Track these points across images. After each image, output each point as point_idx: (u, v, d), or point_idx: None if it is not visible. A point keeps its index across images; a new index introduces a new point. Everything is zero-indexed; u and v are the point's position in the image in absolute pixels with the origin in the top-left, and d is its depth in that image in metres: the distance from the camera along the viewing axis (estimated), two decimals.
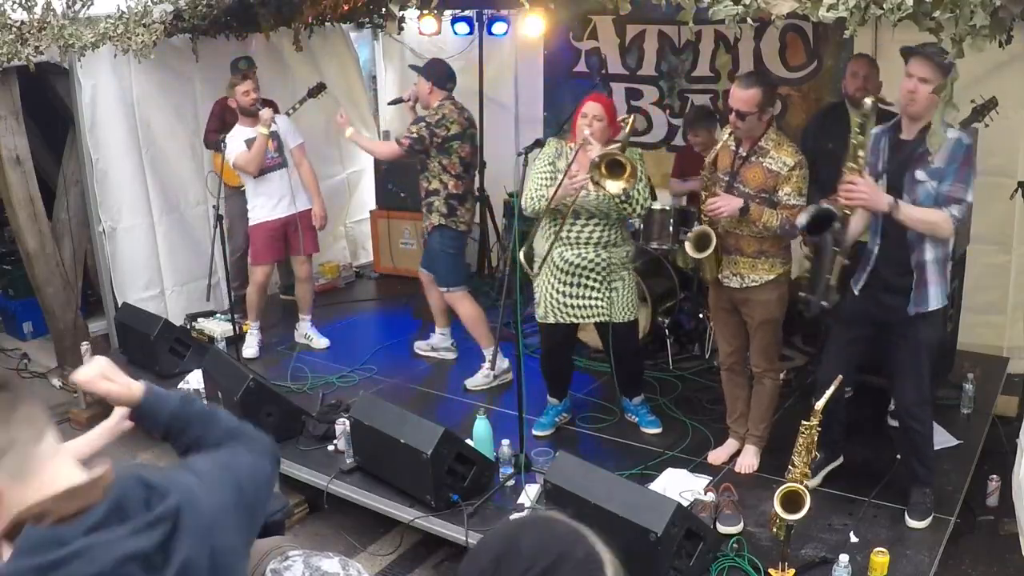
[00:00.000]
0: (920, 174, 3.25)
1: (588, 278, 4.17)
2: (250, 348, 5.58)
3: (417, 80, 5.07)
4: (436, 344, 5.52)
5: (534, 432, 4.41)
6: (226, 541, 1.42)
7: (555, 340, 4.42)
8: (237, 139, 5.28)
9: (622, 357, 4.39)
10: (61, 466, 1.35)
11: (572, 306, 4.21)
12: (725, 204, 3.69)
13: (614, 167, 3.82)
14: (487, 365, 4.89)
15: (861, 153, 3.24)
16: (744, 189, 3.76)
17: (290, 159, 5.44)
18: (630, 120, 4.14)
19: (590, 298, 4.19)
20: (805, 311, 3.54)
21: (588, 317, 4.24)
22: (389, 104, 5.65)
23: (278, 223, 5.42)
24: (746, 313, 3.94)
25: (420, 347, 5.60)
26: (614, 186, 3.83)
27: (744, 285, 3.85)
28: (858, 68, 4.59)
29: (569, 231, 4.12)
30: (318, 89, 5.87)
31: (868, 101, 3.24)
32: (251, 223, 5.46)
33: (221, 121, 5.80)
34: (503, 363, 4.96)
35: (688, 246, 3.84)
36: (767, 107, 3.70)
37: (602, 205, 4.04)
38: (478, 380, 5.04)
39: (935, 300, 3.38)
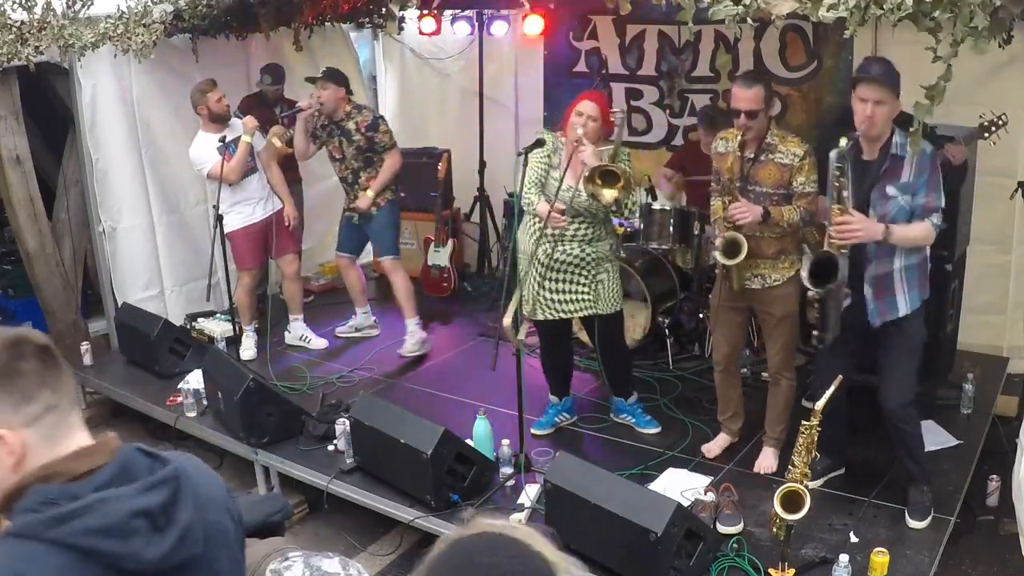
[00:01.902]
0: (891, 189, 3.31)
1: (575, 273, 4.19)
2: (247, 350, 5.57)
3: (324, 88, 5.28)
4: (359, 324, 5.86)
5: (533, 432, 4.41)
6: (218, 520, 1.48)
7: (549, 335, 4.44)
8: (207, 147, 5.21)
9: (609, 350, 4.39)
10: (83, 439, 1.43)
11: (559, 301, 4.23)
12: (748, 211, 3.69)
13: (607, 176, 3.85)
14: (412, 335, 5.54)
15: (845, 194, 3.26)
16: (760, 189, 3.76)
17: (259, 162, 5.45)
18: (619, 115, 4.16)
19: (576, 292, 4.21)
20: (821, 346, 3.55)
21: (575, 311, 4.25)
22: (283, 115, 5.74)
23: (259, 225, 5.42)
24: (766, 311, 3.94)
25: (342, 331, 5.91)
26: (609, 194, 3.86)
27: (766, 286, 3.86)
28: None
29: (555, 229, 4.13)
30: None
31: (843, 142, 3.25)
32: (229, 229, 5.37)
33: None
34: (421, 333, 5.58)
35: (718, 254, 3.81)
36: (770, 103, 3.74)
37: (592, 206, 4.06)
38: (411, 347, 5.53)
39: (904, 306, 3.43)
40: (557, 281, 4.21)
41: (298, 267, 5.78)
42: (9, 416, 1.36)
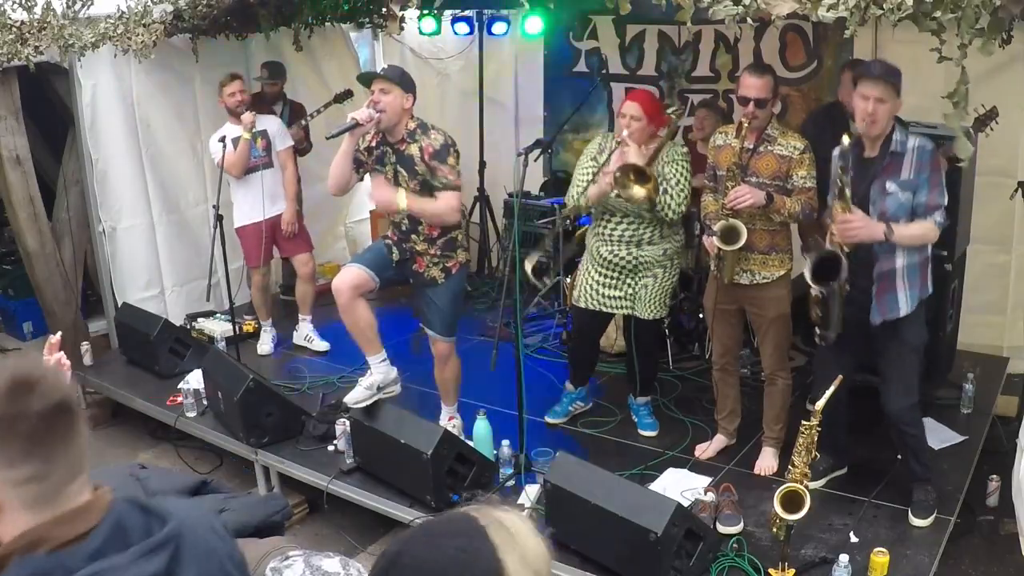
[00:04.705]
0: (890, 185, 3.30)
1: (619, 274, 4.22)
2: (264, 345, 5.67)
3: (385, 92, 3.84)
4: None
5: (547, 420, 4.46)
6: (223, 569, 1.39)
7: (583, 322, 4.47)
8: (216, 139, 5.27)
9: (638, 350, 4.40)
10: (77, 501, 1.29)
11: (603, 295, 4.27)
12: (751, 194, 3.66)
13: (641, 175, 3.87)
14: (368, 377, 4.19)
15: (848, 191, 3.26)
16: (757, 180, 3.75)
17: (277, 161, 5.43)
18: (677, 111, 4.26)
19: (617, 289, 4.24)
20: (824, 344, 3.53)
21: (614, 308, 4.29)
22: (332, 137, 3.97)
23: (264, 224, 5.39)
24: (756, 312, 3.94)
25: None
26: (638, 192, 3.88)
27: (755, 282, 3.86)
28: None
29: (605, 228, 4.21)
30: (344, 95, 5.88)
31: (846, 140, 3.24)
32: (237, 225, 5.43)
33: None
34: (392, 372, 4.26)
35: (716, 240, 3.79)
36: (777, 96, 3.75)
37: (632, 205, 4.05)
38: (358, 395, 4.11)
39: (904, 306, 3.42)
40: (604, 276, 4.25)
41: (313, 267, 5.72)
42: None
